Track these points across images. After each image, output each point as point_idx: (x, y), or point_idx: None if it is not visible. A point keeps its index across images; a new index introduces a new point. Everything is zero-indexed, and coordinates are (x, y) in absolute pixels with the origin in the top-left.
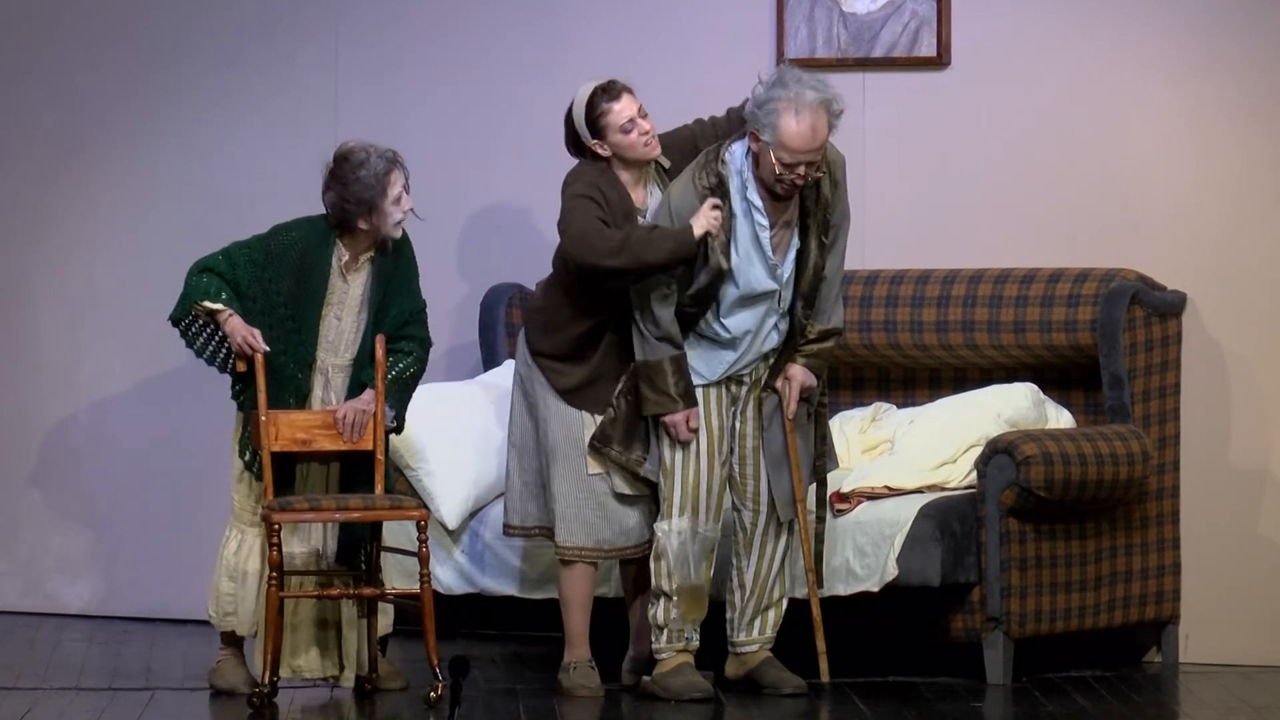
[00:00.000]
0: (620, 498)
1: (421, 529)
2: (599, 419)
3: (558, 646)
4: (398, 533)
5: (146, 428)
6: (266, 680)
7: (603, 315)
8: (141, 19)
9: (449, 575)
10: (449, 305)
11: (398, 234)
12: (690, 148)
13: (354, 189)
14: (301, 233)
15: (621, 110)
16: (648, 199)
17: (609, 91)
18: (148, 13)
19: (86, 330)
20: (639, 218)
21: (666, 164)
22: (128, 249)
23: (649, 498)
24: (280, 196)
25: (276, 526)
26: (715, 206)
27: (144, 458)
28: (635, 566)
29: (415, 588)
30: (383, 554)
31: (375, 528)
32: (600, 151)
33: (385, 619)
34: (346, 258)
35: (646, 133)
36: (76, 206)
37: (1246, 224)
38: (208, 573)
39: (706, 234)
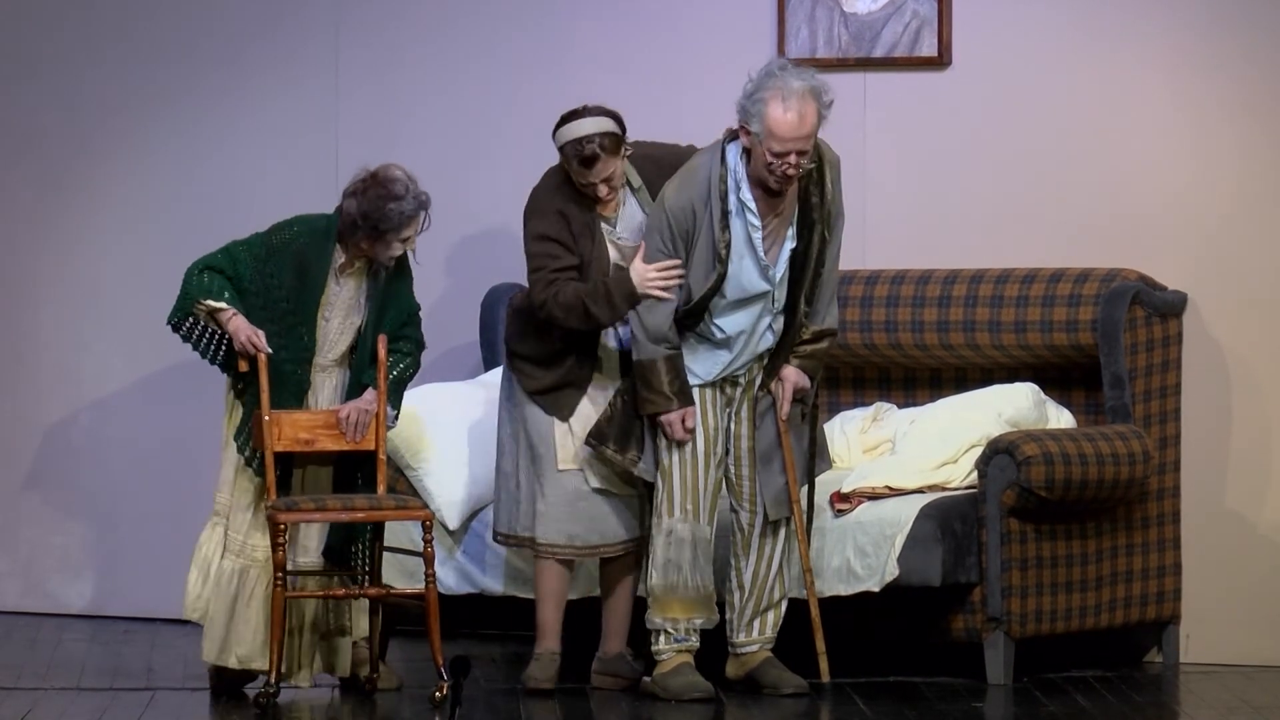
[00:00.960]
0: (598, 493)
1: (427, 529)
2: (572, 424)
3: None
4: (396, 532)
5: (147, 427)
6: (274, 680)
7: (574, 332)
8: (142, 19)
9: (449, 575)
10: (449, 305)
11: (389, 263)
12: (670, 169)
13: (374, 215)
14: (302, 228)
15: (588, 176)
16: (620, 207)
17: (582, 153)
18: (148, 13)
19: (88, 330)
20: (604, 224)
21: (636, 183)
22: (129, 249)
23: (633, 497)
24: (281, 196)
25: (282, 527)
26: (667, 268)
27: (145, 457)
28: (615, 566)
29: (416, 588)
30: (381, 553)
31: (377, 528)
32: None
33: (364, 619)
34: (342, 260)
35: (603, 196)
36: (77, 206)
37: (1247, 223)
38: None
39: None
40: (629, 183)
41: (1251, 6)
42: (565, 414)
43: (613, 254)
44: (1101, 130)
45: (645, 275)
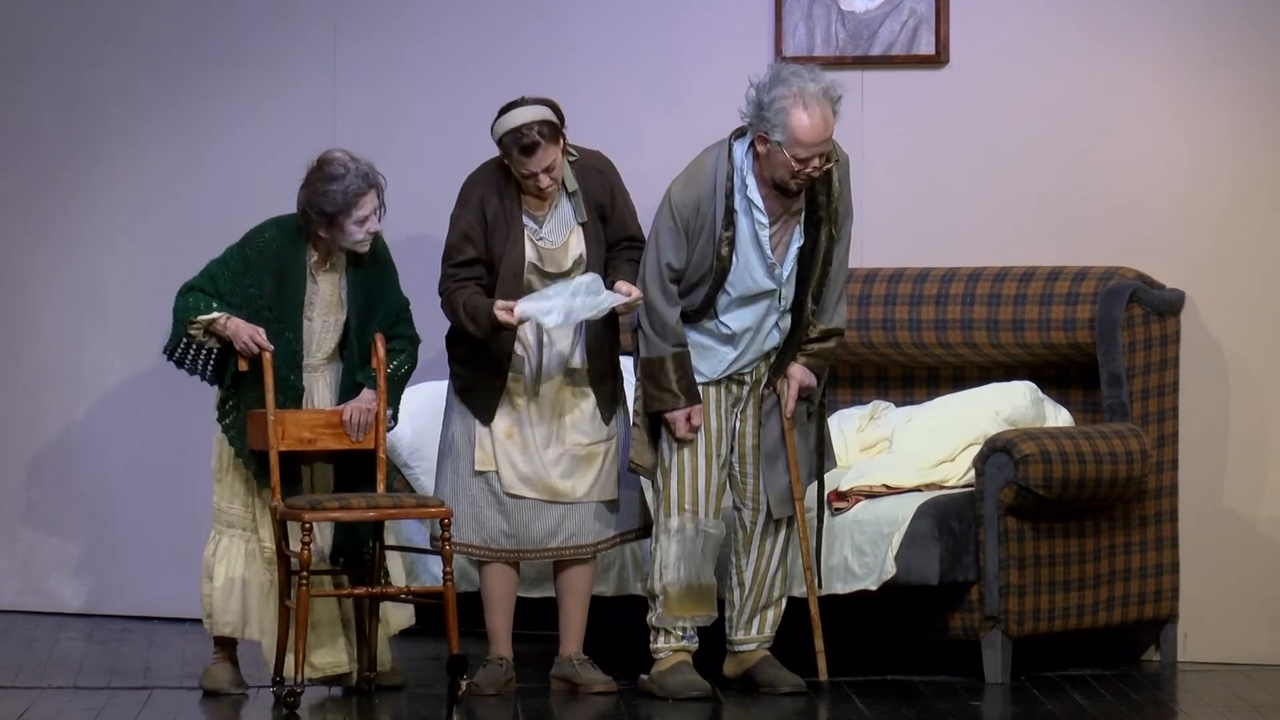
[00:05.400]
0: (513, 498)
1: (445, 527)
2: (493, 425)
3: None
4: (395, 531)
5: (145, 426)
6: (300, 680)
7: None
8: (141, 17)
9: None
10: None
11: (360, 249)
12: (608, 184)
13: (320, 200)
14: (274, 233)
15: (529, 165)
16: (552, 208)
17: (521, 142)
18: (147, 11)
19: (86, 329)
20: (529, 221)
21: (572, 187)
22: (127, 247)
23: (561, 503)
24: (278, 195)
25: (308, 525)
26: (506, 309)
27: (142, 456)
28: (566, 569)
29: (431, 586)
30: (383, 551)
31: (379, 527)
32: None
33: (403, 614)
34: (316, 257)
35: (545, 186)
36: (75, 205)
37: (1245, 221)
38: None
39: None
40: (564, 185)
41: (1249, 5)
42: (485, 417)
43: (529, 252)
44: (1099, 128)
45: (509, 311)
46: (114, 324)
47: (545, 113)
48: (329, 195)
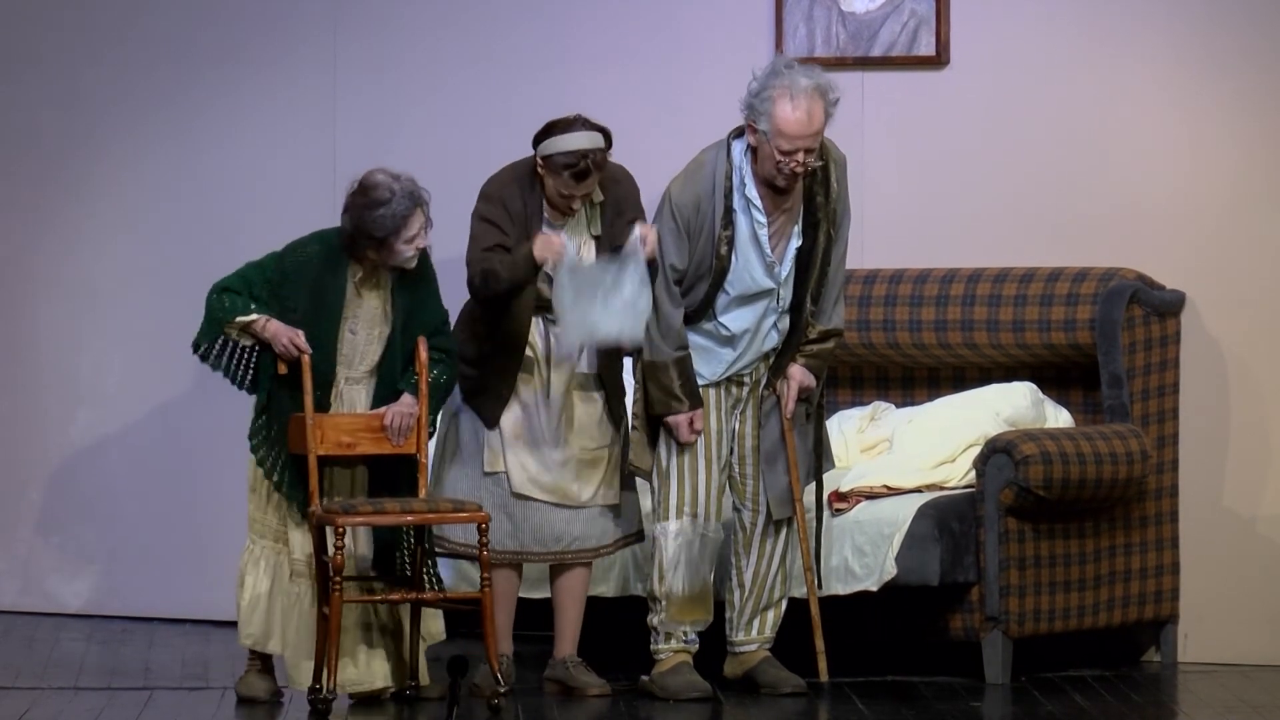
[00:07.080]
0: (521, 499)
1: (483, 531)
2: (501, 426)
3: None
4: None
5: (145, 427)
6: (329, 687)
7: (501, 328)
8: (141, 17)
9: (449, 575)
10: (451, 305)
11: (409, 266)
12: (627, 201)
13: (368, 225)
14: (317, 248)
15: (574, 189)
16: (571, 219)
17: (576, 168)
18: (147, 11)
19: (86, 329)
20: (545, 228)
21: (598, 198)
22: (127, 247)
23: (570, 506)
24: (278, 194)
25: (341, 530)
26: (552, 251)
27: (143, 457)
28: (562, 571)
29: (469, 592)
30: (424, 557)
31: (419, 532)
32: (538, 165)
33: (437, 625)
34: (361, 274)
35: (576, 208)
36: (76, 205)
37: (1245, 222)
38: (207, 572)
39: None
40: (590, 196)
41: (1249, 6)
42: (491, 422)
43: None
44: (1099, 129)
45: (550, 240)
46: (114, 324)
47: (601, 141)
48: (378, 221)
